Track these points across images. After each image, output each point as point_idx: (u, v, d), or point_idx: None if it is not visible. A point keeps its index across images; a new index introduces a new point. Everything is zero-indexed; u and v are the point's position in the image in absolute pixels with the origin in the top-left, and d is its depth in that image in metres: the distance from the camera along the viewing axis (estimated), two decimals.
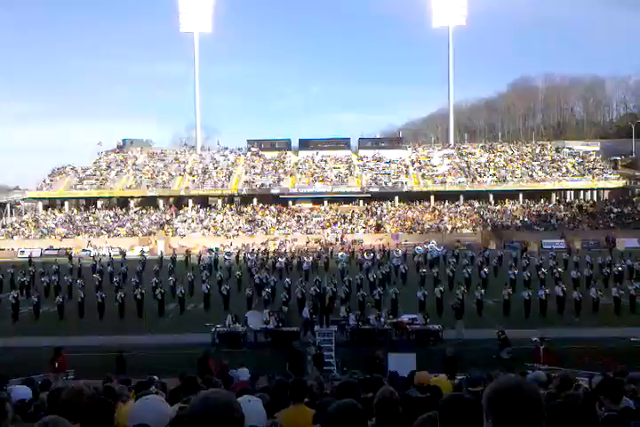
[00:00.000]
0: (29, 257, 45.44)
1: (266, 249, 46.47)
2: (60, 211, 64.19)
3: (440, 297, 24.98)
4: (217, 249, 46.78)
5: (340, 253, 41.77)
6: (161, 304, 26.52)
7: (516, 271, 30.79)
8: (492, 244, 49.27)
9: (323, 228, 57.58)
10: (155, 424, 3.10)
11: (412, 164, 68.47)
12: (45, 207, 65.53)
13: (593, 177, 63.32)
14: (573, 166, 65.96)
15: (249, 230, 57.53)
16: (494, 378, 8.46)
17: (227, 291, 27.45)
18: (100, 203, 66.21)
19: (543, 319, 23.62)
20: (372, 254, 40.36)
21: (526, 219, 57.86)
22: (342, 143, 72.27)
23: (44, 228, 59.34)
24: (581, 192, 66.98)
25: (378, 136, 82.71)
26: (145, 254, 44.03)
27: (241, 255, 43.52)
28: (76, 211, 64.34)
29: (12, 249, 53.40)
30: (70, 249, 50.89)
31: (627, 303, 24.84)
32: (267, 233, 56.61)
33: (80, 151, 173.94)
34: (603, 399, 4.78)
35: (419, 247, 43.53)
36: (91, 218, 61.57)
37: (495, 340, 18.58)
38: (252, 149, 72.09)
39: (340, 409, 2.62)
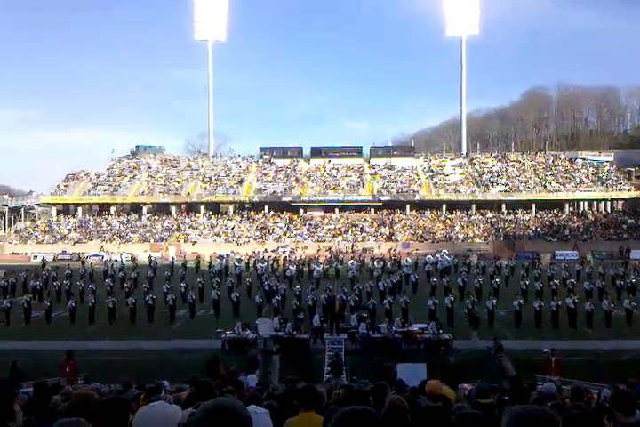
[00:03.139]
0: (43, 261, 45.81)
1: (276, 257, 46.47)
2: (74, 216, 64.76)
3: (450, 307, 24.83)
4: (227, 256, 46.85)
5: (350, 262, 41.69)
6: (172, 310, 26.59)
7: (528, 282, 30.55)
8: (504, 254, 48.91)
9: (334, 236, 57.58)
10: None
11: (424, 172, 68.39)
12: (59, 212, 66.13)
13: (606, 188, 62.87)
14: (587, 177, 65.53)
15: (260, 238, 57.65)
16: (505, 388, 8.41)
17: (237, 298, 27.46)
18: (112, 209, 66.73)
19: (555, 331, 23.42)
20: (382, 263, 40.27)
21: (539, 229, 57.50)
22: (354, 151, 72.35)
23: (57, 233, 59.88)
24: (595, 203, 66.48)
25: (390, 145, 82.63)
26: (155, 260, 44.23)
27: (251, 262, 43.56)
28: (89, 216, 64.89)
29: (26, 253, 53.92)
30: (83, 254, 51.36)
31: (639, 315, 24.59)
32: (277, 240, 56.70)
33: (94, 157, 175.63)
34: (615, 412, 4.75)
35: (429, 256, 43.34)
36: (104, 223, 62.06)
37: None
38: (265, 157, 72.41)
39: (350, 414, 2.57)
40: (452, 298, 25.59)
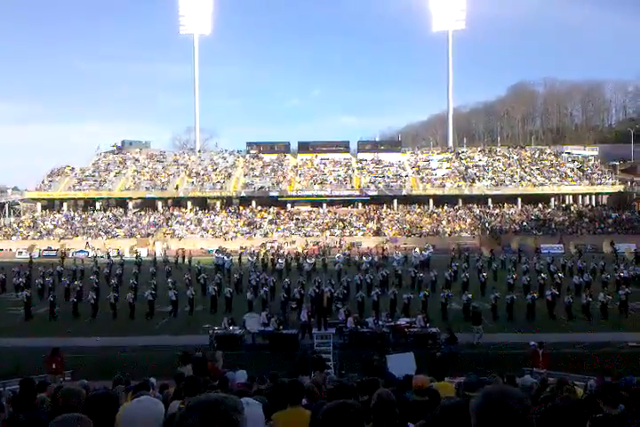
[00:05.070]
0: (30, 258, 45.35)
1: (265, 251, 46.38)
2: (59, 212, 64.16)
3: (445, 302, 24.93)
4: (219, 251, 46.68)
5: (337, 255, 41.89)
6: (152, 306, 26.38)
7: (514, 276, 30.78)
8: (490, 248, 49.21)
9: (321, 231, 57.59)
10: (147, 425, 3.08)
11: (411, 167, 68.56)
12: (44, 208, 65.46)
13: (591, 182, 63.45)
14: (572, 171, 66.09)
15: (247, 233, 57.52)
16: (492, 382, 8.48)
17: (230, 293, 27.30)
18: (98, 204, 66.19)
19: (541, 323, 23.62)
20: (369, 257, 40.43)
21: (525, 223, 57.94)
22: (341, 146, 72.35)
23: (42, 228, 59.30)
24: (580, 197, 67.08)
25: (377, 139, 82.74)
26: (140, 256, 43.99)
27: (242, 258, 43.47)
28: (74, 212, 64.31)
29: (11, 250, 53.34)
30: (66, 249, 50.95)
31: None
32: (265, 236, 56.61)
33: (79, 152, 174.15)
34: (601, 404, 4.80)
35: (416, 250, 43.60)
36: (89, 219, 61.55)
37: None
38: (252, 152, 72.17)
39: (336, 408, 2.59)
40: (427, 293, 25.89)
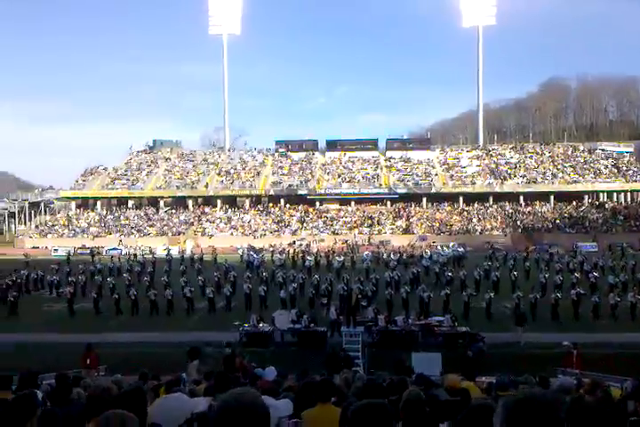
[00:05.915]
0: (68, 256, 46.40)
1: (294, 249, 46.58)
2: (93, 210, 65.48)
3: (467, 300, 24.71)
4: (254, 249, 47.06)
5: (365, 253, 41.85)
6: (191, 302, 26.78)
7: (547, 275, 30.27)
8: (522, 246, 48.47)
9: (350, 229, 57.54)
10: (172, 420, 3.13)
11: (441, 165, 67.96)
12: (78, 207, 66.89)
13: (626, 179, 61.96)
14: (606, 168, 64.62)
15: (276, 231, 57.81)
16: (525, 382, 8.36)
17: (264, 291, 27.45)
18: (130, 202, 67.33)
19: (573, 323, 23.18)
20: (397, 255, 40.28)
21: (557, 221, 56.91)
22: (370, 144, 72.03)
23: (76, 226, 60.61)
24: (614, 194, 65.57)
25: (406, 137, 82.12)
26: (171, 254, 44.62)
27: (273, 255, 43.72)
28: (107, 210, 65.56)
29: (46, 247, 54.65)
30: (102, 247, 52.04)
31: None
32: (293, 234, 56.82)
33: (112, 152, 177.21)
34: (637, 405, 4.70)
35: (443, 249, 43.30)
36: (122, 217, 62.67)
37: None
38: (280, 150, 72.46)
39: (365, 407, 2.60)
40: (470, 292, 25.57)
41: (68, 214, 65.20)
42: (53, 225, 61.65)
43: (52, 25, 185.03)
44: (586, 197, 62.80)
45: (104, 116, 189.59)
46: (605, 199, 64.97)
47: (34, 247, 54.59)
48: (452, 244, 46.35)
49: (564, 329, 21.71)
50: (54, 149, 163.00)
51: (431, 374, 9.04)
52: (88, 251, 50.67)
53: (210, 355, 14.48)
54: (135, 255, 45.76)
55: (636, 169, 64.47)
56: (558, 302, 24.03)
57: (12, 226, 74.85)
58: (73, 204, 67.59)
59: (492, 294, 25.00)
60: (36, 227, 62.74)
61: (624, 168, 64.39)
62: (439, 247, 42.79)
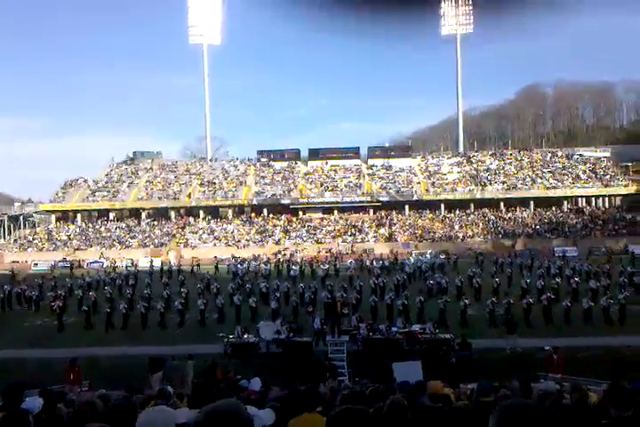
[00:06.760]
0: (52, 268, 45.88)
1: (278, 259, 46.59)
2: (73, 223, 64.77)
3: (444, 307, 24.78)
4: (235, 259, 47.03)
5: (348, 261, 42.01)
6: (162, 316, 26.57)
7: (528, 280, 30.59)
8: (503, 252, 48.98)
9: (333, 237, 57.64)
10: None
11: (422, 172, 68.49)
12: (58, 219, 66.09)
13: (604, 183, 62.97)
14: (584, 173, 65.62)
15: (259, 241, 57.71)
16: (508, 387, 8.49)
17: (255, 302, 27.35)
18: (112, 215, 66.72)
19: (550, 328, 23.45)
20: (380, 262, 40.50)
21: (538, 226, 57.60)
22: (351, 152, 72.37)
23: (57, 240, 59.89)
24: (593, 199, 66.55)
25: (387, 145, 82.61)
26: (153, 266, 44.39)
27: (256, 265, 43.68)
28: (88, 223, 64.89)
29: (26, 261, 53.88)
30: (80, 261, 51.50)
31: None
32: (277, 243, 56.75)
33: (92, 165, 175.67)
34: (610, 408, 4.81)
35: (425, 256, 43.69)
36: (103, 230, 62.08)
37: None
38: (262, 160, 72.47)
39: (342, 413, 2.64)
40: (446, 299, 25.80)
41: (48, 228, 64.42)
42: (33, 239, 60.87)
43: (30, 39, 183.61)
44: (565, 202, 63.64)
45: (83, 128, 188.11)
46: (584, 204, 65.90)
47: (14, 262, 53.78)
48: (429, 251, 46.74)
49: (540, 334, 21.96)
50: (33, 163, 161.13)
51: (413, 381, 9.12)
52: (68, 265, 50.13)
53: (175, 367, 14.28)
54: (114, 268, 45.36)
55: (613, 174, 65.58)
56: (531, 307, 24.28)
57: None
58: (53, 217, 66.80)
59: (467, 301, 25.24)
60: (15, 241, 61.86)
61: (601, 173, 65.43)
62: (414, 255, 43.36)
